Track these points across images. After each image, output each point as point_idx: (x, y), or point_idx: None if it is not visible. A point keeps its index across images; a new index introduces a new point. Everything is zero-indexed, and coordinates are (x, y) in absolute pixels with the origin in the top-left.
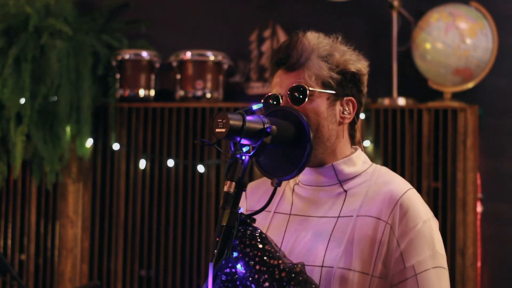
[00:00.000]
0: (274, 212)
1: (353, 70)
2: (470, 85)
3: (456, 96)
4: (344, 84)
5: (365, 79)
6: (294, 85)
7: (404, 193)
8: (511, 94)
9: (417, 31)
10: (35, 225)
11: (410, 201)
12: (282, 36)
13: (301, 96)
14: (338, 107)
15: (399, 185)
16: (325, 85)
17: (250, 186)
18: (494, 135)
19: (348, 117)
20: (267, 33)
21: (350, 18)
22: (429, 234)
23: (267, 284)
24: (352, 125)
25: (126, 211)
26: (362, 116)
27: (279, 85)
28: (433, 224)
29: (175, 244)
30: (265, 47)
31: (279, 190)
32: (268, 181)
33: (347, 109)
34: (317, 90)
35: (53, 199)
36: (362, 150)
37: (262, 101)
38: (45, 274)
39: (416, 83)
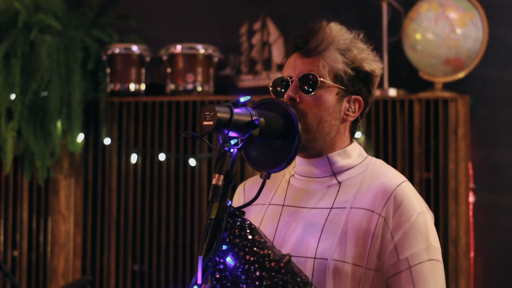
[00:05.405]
0: (269, 204)
1: (367, 69)
2: (461, 75)
3: (447, 86)
4: (356, 81)
5: (377, 80)
6: (306, 72)
7: (398, 185)
8: (502, 84)
9: (407, 21)
10: (27, 221)
11: (404, 194)
12: (272, 29)
13: (310, 83)
14: (344, 104)
15: (393, 177)
16: (336, 78)
17: (249, 182)
18: (485, 125)
19: (352, 115)
20: (257, 25)
21: (340, 9)
22: (423, 227)
23: (257, 273)
24: (354, 123)
25: (118, 206)
26: None
27: (292, 67)
28: (428, 217)
29: (167, 238)
30: (256, 39)
31: (275, 182)
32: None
33: (352, 107)
34: (328, 82)
35: (45, 195)
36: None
37: (270, 84)
38: (38, 270)
39: (406, 74)
